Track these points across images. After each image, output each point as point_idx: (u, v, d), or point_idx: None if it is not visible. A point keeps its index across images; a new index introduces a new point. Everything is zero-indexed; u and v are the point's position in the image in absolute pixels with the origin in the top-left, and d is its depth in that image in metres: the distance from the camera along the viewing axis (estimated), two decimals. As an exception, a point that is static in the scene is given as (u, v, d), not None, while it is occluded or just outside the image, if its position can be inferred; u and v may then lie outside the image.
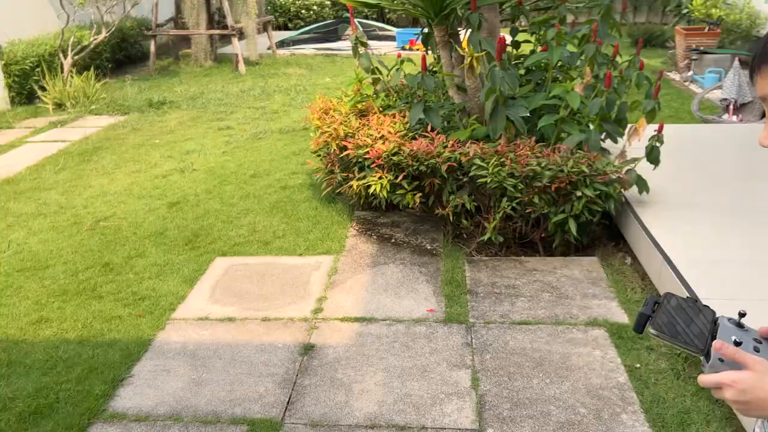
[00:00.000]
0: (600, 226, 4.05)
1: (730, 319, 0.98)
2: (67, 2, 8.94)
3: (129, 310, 3.52)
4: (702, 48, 8.45)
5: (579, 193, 3.54)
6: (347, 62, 11.34)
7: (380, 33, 13.43)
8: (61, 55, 8.89)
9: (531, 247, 4.02)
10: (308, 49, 12.58)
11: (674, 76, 9.10)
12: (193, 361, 3.05)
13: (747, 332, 0.96)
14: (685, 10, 10.24)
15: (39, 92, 8.51)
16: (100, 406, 2.75)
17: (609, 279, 3.65)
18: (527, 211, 3.69)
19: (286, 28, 15.09)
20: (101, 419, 2.67)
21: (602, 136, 3.96)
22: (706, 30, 8.97)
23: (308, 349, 3.12)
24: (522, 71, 4.74)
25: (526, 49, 5.12)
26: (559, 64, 4.54)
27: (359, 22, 13.02)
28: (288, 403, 2.73)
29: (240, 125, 7.54)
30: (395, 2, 4.68)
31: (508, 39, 4.60)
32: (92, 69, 9.14)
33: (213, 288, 3.73)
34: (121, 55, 11.02)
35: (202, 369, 2.99)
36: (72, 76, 8.71)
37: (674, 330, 0.96)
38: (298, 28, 14.35)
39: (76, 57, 9.01)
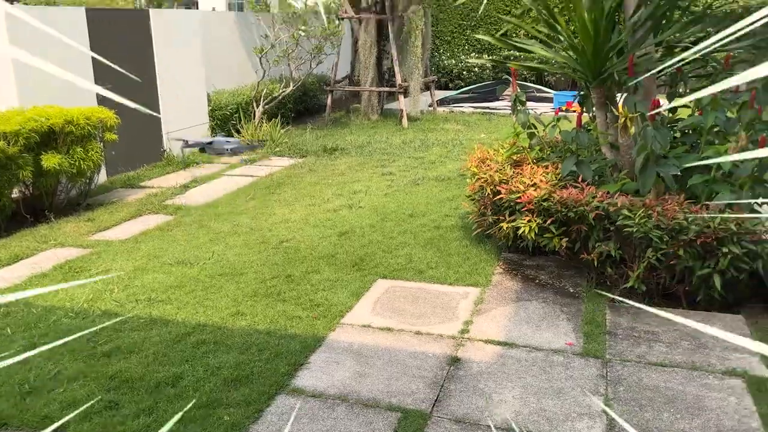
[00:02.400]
0: (748, 285, 4.08)
1: None
2: (265, 60, 10.47)
3: (307, 312, 4.19)
4: None
5: (725, 250, 3.68)
6: (503, 120, 11.87)
7: (538, 95, 13.85)
8: (254, 104, 10.38)
9: (674, 300, 4.15)
10: (467, 107, 13.32)
11: None
12: (358, 358, 3.60)
13: None
14: None
15: (235, 134, 9.97)
16: (285, 381, 3.38)
17: (753, 336, 3.70)
18: (672, 263, 3.87)
19: (447, 88, 16.03)
20: (285, 392, 3.30)
21: (758, 199, 4.04)
22: None
23: (455, 361, 3.55)
24: (678, 134, 4.94)
25: (683, 114, 5.29)
26: (715, 129, 4.67)
27: (518, 83, 13.55)
28: (436, 400, 3.17)
29: (401, 172, 8.30)
30: (555, 66, 5.13)
31: (665, 105, 4.85)
32: (278, 117, 10.54)
33: (375, 303, 4.31)
34: (302, 106, 12.48)
35: (365, 365, 3.53)
36: (262, 122, 10.12)
37: None
38: (459, 88, 15.21)
39: (266, 106, 10.46)
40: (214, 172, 8.63)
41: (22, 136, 5.75)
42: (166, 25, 8.86)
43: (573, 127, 4.51)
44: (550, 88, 14.42)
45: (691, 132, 4.73)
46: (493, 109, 13.00)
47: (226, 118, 10.03)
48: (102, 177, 7.90)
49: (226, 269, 5.07)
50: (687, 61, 4.83)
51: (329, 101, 12.19)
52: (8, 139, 5.67)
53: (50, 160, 6.00)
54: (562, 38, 4.81)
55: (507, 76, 13.81)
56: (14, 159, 5.85)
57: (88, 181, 7.09)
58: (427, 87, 13.21)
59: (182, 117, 9.33)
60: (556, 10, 4.92)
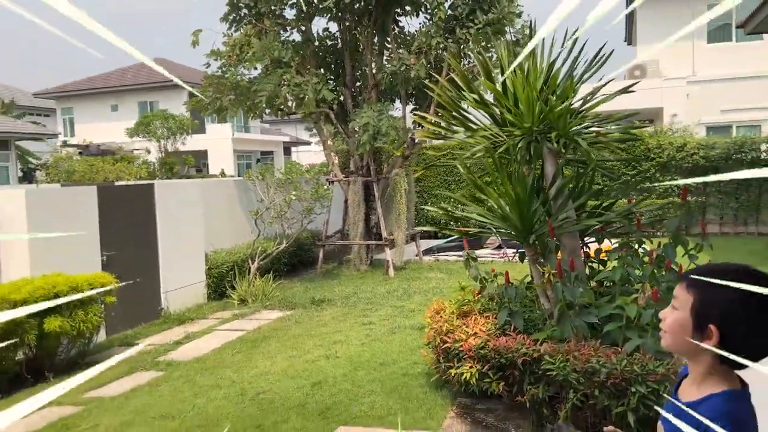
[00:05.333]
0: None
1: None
2: (260, 221, 11.48)
3: (269, 460, 4.60)
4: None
5: (633, 389, 4.17)
6: (483, 267, 12.58)
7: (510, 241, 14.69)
8: (249, 261, 11.22)
9: (603, 438, 4.54)
10: (452, 255, 14.15)
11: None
12: (308, 502, 3.98)
13: None
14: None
15: (229, 290, 10.70)
16: None
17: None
18: (591, 402, 4.34)
19: (437, 237, 16.98)
20: None
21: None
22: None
23: (395, 502, 3.92)
24: (608, 284, 5.58)
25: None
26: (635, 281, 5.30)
27: (498, 233, 14.48)
28: None
29: (380, 321, 8.86)
30: (495, 231, 5.92)
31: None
32: (271, 272, 11.33)
33: (333, 450, 4.73)
34: (296, 259, 13.32)
35: (314, 508, 3.91)
36: (256, 278, 10.89)
37: None
38: (446, 237, 16.15)
39: (261, 262, 11.30)
40: (207, 327, 9.23)
41: (30, 304, 6.46)
42: (168, 195, 9.95)
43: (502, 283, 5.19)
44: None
45: (612, 284, 5.37)
46: (477, 256, 13.77)
47: (222, 275, 10.81)
48: (101, 336, 8.51)
49: (204, 421, 5.51)
50: (605, 221, 5.62)
51: (321, 255, 13.07)
52: (17, 307, 6.37)
53: (52, 323, 6.66)
54: (495, 207, 5.63)
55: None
56: (21, 324, 6.53)
57: (87, 341, 7.69)
58: (412, 238, 14.14)
59: (181, 277, 10.13)
60: (488, 183, 5.82)
